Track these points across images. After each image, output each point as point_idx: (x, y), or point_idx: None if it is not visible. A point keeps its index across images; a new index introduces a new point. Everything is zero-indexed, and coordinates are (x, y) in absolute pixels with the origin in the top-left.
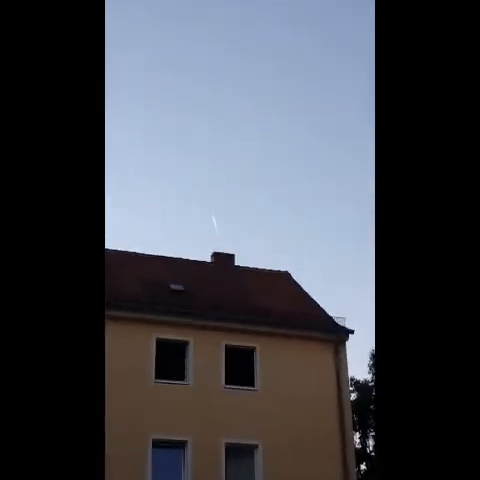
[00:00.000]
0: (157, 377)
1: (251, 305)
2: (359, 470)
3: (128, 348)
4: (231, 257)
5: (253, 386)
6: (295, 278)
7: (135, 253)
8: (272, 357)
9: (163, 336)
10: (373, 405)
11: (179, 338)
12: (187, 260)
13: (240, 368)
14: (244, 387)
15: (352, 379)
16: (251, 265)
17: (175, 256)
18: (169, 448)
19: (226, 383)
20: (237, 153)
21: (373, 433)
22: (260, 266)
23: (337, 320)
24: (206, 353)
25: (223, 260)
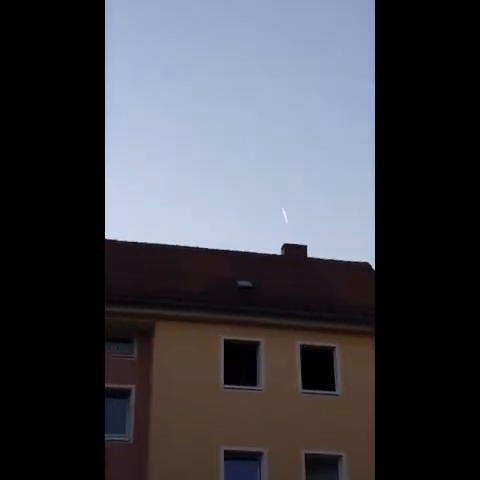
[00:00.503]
0: (226, 382)
1: (328, 300)
2: None
3: (193, 351)
4: (303, 248)
5: (334, 390)
6: None
7: (197, 248)
8: (354, 358)
9: (232, 337)
10: None
11: (249, 339)
12: (254, 254)
13: (318, 371)
14: (324, 392)
15: None
16: (325, 256)
17: (241, 250)
18: (243, 460)
19: (303, 388)
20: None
21: None
22: (336, 257)
23: None
24: (279, 355)
25: (294, 252)
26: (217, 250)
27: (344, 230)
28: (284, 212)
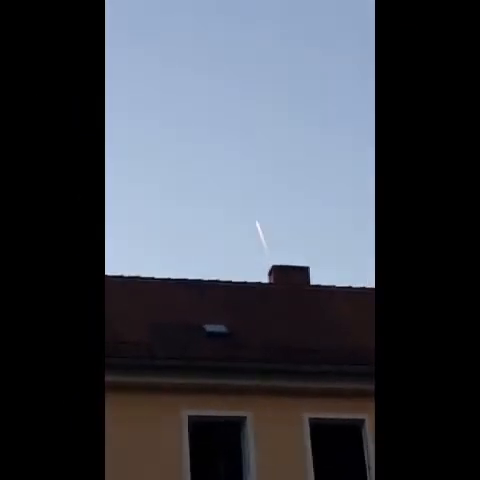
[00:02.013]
0: (194, 478)
1: (349, 348)
2: None
3: (138, 434)
4: (304, 272)
5: None
6: None
7: (140, 278)
8: None
9: (199, 412)
10: None
11: (228, 413)
12: (229, 283)
13: (339, 458)
14: None
15: None
16: (336, 282)
17: (207, 278)
18: None
19: None
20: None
21: None
22: (350, 283)
23: None
24: (278, 436)
25: (290, 277)
26: (170, 280)
27: (359, 247)
28: (258, 225)
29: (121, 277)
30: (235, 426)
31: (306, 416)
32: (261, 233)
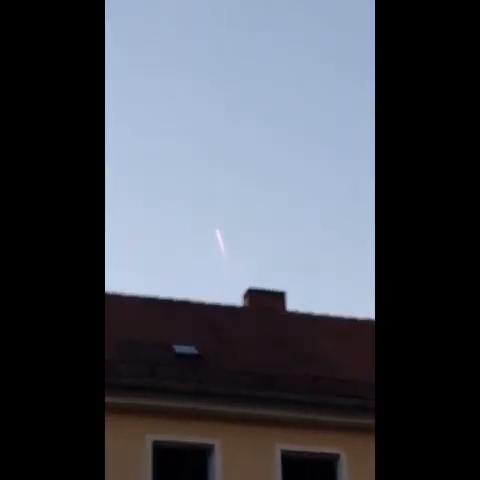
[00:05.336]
0: None
1: (325, 378)
2: None
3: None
4: (280, 297)
5: None
6: None
7: (113, 294)
8: (368, 470)
9: (165, 437)
10: None
11: (196, 441)
12: (201, 304)
13: None
14: None
15: None
16: (314, 310)
17: (179, 298)
18: None
19: None
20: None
21: None
22: (331, 312)
23: None
24: (247, 467)
25: (265, 302)
26: (138, 297)
27: (343, 272)
28: (218, 234)
29: None
30: (202, 454)
31: (278, 447)
32: (220, 240)
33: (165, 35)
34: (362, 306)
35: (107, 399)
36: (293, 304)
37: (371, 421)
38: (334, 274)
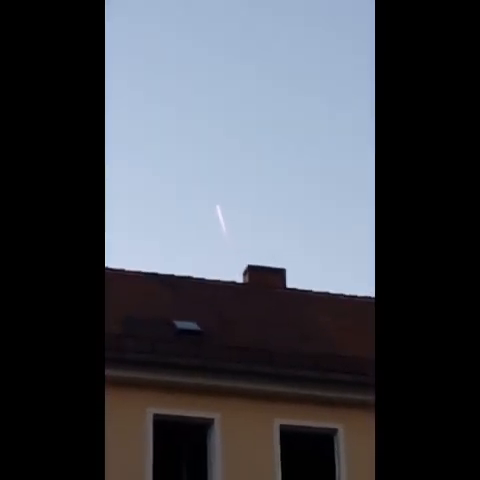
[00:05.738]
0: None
1: (323, 354)
2: None
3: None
4: (280, 273)
5: None
6: None
7: (115, 270)
8: (365, 446)
9: (166, 411)
10: None
11: (197, 415)
12: (202, 280)
13: (309, 467)
14: None
15: None
16: (314, 287)
17: (181, 274)
18: None
19: None
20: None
21: None
22: (329, 289)
23: None
24: (245, 441)
25: (266, 279)
26: (140, 273)
27: (343, 249)
28: (219, 210)
29: None
30: (202, 428)
31: (277, 422)
32: (221, 217)
33: (165, 35)
34: (362, 283)
35: (108, 372)
36: (293, 281)
37: (369, 397)
38: (334, 251)
